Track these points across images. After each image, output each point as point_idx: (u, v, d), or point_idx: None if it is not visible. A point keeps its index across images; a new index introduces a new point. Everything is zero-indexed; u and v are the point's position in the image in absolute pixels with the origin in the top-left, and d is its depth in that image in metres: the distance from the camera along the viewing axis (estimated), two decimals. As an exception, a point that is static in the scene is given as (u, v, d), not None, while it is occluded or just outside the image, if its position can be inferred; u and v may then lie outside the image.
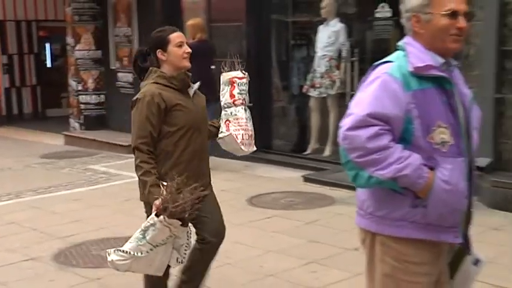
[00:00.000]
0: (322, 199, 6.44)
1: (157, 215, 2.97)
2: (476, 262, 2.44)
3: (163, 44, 3.32)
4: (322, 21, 7.91)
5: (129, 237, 3.93)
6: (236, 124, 3.58)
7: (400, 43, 2.32)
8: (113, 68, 10.32)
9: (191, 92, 3.42)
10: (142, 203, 3.37)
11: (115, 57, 10.30)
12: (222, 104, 3.62)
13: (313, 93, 7.97)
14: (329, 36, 7.76)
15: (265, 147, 8.28)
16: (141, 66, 3.43)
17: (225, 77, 3.62)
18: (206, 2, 8.66)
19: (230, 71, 3.61)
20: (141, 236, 3.02)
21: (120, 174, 7.97)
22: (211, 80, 7.90)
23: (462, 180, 2.23)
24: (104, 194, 7.02)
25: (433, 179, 2.18)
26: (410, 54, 2.23)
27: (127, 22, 9.94)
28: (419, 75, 2.19)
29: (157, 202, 3.00)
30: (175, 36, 3.34)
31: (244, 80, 3.61)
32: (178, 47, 3.32)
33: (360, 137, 2.15)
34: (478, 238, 4.89)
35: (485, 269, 4.26)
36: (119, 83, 10.22)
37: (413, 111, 2.17)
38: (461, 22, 2.20)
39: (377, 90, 2.19)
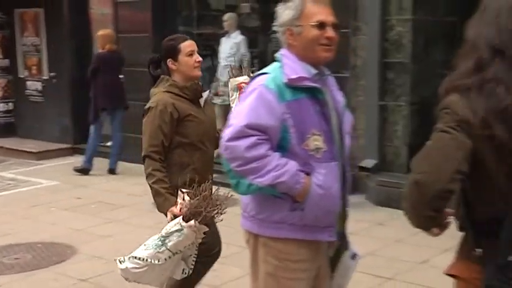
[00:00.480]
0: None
1: (185, 220, 2.74)
2: (354, 256, 2.50)
3: (173, 54, 3.10)
4: (225, 34, 7.99)
5: (34, 243, 3.70)
6: None
7: (277, 55, 2.35)
8: (22, 76, 9.90)
9: (202, 102, 3.22)
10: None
11: (23, 66, 9.88)
12: (232, 110, 3.48)
13: (217, 100, 7.98)
14: (231, 47, 7.84)
15: (172, 152, 8.21)
16: (153, 74, 3.21)
17: (232, 83, 3.36)
18: (114, 13, 8.49)
19: (237, 76, 3.38)
20: (160, 243, 2.79)
21: (29, 180, 7.62)
22: (120, 88, 7.80)
23: (336, 183, 2.28)
24: (10, 201, 6.67)
25: (310, 184, 2.21)
26: (285, 66, 2.25)
27: (35, 32, 9.55)
28: (293, 86, 2.22)
29: (174, 209, 2.82)
30: (186, 45, 3.12)
31: None
32: (189, 56, 3.11)
33: (239, 147, 2.16)
34: (364, 233, 5.16)
35: (369, 261, 4.47)
36: (28, 91, 9.81)
37: (288, 121, 2.19)
38: (330, 32, 2.24)
39: (253, 102, 2.20)
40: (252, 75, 3.45)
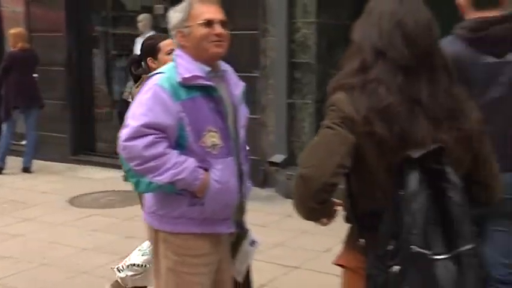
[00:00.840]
0: (140, 197, 6.30)
1: None
2: (253, 243, 2.51)
3: (153, 52, 3.02)
4: (140, 34, 7.84)
5: None
6: None
7: (172, 55, 2.30)
8: None
9: None
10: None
11: None
12: None
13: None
14: (145, 47, 7.67)
15: (89, 149, 7.99)
16: (134, 73, 3.10)
17: None
18: (26, 11, 8.11)
19: None
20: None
21: None
22: (34, 87, 7.45)
23: (232, 178, 2.27)
24: None
25: (208, 180, 2.19)
26: (179, 66, 2.22)
27: None
28: (187, 85, 2.18)
29: None
30: (166, 44, 3.02)
31: None
32: (168, 55, 2.98)
33: (136, 147, 2.11)
34: (274, 225, 5.19)
35: (277, 251, 4.50)
36: None
37: (184, 119, 2.16)
38: (218, 29, 2.22)
39: (149, 101, 2.15)
40: None
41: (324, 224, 1.77)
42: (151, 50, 3.07)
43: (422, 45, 1.66)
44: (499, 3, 2.44)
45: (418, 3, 1.72)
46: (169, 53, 3.00)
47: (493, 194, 1.78)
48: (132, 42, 8.02)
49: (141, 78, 3.10)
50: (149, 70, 3.09)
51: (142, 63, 3.18)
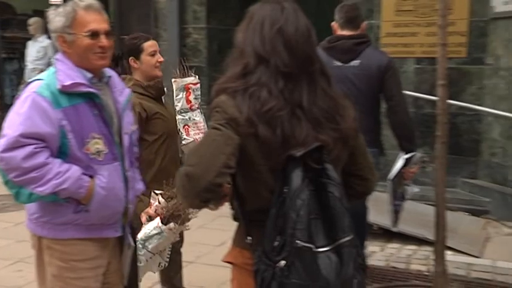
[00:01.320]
0: (35, 200, 5.87)
1: (163, 223, 2.40)
2: (129, 247, 2.37)
3: (136, 52, 2.80)
4: (31, 37, 7.42)
5: None
6: (195, 128, 3.13)
7: (52, 59, 2.11)
8: None
9: (164, 99, 2.94)
10: None
11: None
12: (177, 109, 3.10)
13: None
14: (38, 51, 7.30)
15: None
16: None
17: (179, 83, 3.12)
18: None
19: (183, 77, 3.12)
20: (140, 246, 2.49)
21: None
22: None
23: (119, 183, 2.13)
24: None
25: (93, 187, 2.03)
26: (59, 72, 2.02)
27: None
28: (68, 92, 2.00)
29: (150, 211, 2.43)
30: (149, 45, 2.82)
31: (198, 86, 3.16)
32: (151, 56, 2.82)
33: (15, 158, 1.90)
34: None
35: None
36: None
37: (66, 127, 1.98)
38: (103, 41, 2.05)
39: (27, 110, 1.94)
40: (195, 76, 3.22)
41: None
42: (134, 50, 2.86)
43: (302, 51, 1.63)
44: (358, 26, 3.22)
45: (296, 12, 1.68)
46: (152, 54, 2.86)
47: (369, 185, 1.80)
48: (24, 46, 7.58)
49: (121, 78, 2.87)
50: (130, 69, 2.91)
51: (120, 62, 2.93)
